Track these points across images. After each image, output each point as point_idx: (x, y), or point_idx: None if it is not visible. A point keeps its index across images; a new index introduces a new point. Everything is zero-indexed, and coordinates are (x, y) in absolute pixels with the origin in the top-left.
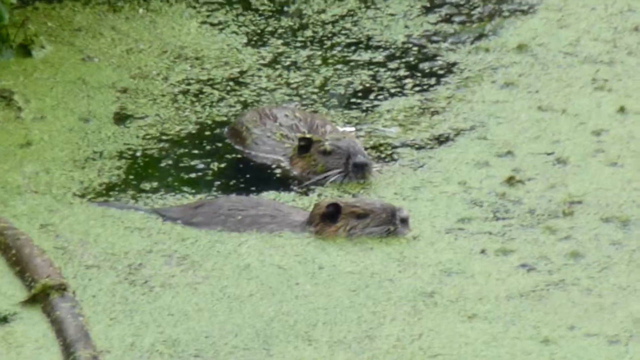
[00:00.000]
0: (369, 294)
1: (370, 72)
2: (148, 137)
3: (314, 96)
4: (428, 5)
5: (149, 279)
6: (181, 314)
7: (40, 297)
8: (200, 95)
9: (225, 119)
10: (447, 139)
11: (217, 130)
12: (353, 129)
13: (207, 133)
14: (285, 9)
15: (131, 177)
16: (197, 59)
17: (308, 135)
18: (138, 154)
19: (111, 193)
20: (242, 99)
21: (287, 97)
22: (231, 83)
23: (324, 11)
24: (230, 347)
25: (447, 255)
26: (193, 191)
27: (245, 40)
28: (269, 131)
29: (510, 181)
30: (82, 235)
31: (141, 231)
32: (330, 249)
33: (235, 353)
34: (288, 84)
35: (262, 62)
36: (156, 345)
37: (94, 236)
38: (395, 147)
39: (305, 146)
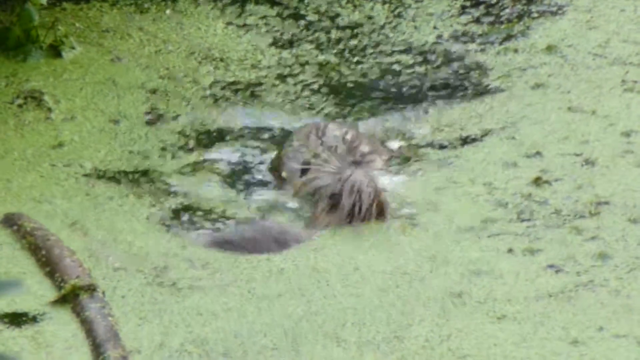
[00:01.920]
0: (399, 294)
1: (399, 73)
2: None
3: (339, 98)
4: (457, 5)
5: (176, 281)
6: (209, 313)
7: (70, 298)
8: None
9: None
10: (475, 140)
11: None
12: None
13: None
14: (313, 9)
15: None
16: (222, 60)
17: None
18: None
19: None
20: (266, 102)
21: (310, 102)
22: (256, 87)
23: (352, 12)
24: (259, 346)
25: (475, 255)
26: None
27: (271, 41)
28: (305, 146)
29: (537, 182)
30: (112, 236)
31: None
32: (363, 246)
33: (264, 353)
34: (311, 88)
35: (286, 64)
36: (185, 345)
37: (122, 238)
38: (423, 146)
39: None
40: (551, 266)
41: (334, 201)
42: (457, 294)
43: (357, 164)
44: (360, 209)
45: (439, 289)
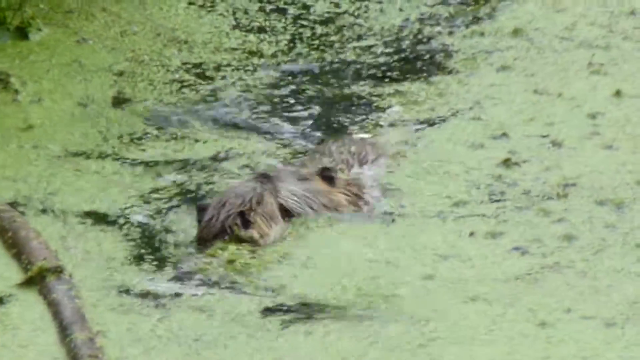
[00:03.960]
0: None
1: (365, 56)
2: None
3: (307, 80)
4: None
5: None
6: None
7: (37, 280)
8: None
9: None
10: (443, 121)
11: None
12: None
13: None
14: None
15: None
16: (186, 42)
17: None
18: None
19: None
20: (234, 82)
21: (276, 81)
22: (226, 68)
23: None
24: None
25: (439, 238)
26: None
27: (234, 23)
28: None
29: (507, 163)
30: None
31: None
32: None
33: None
34: (280, 70)
35: (251, 45)
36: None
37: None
38: (393, 125)
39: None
40: (516, 248)
41: (200, 216)
42: (427, 276)
43: (264, 177)
44: (217, 220)
45: (410, 272)
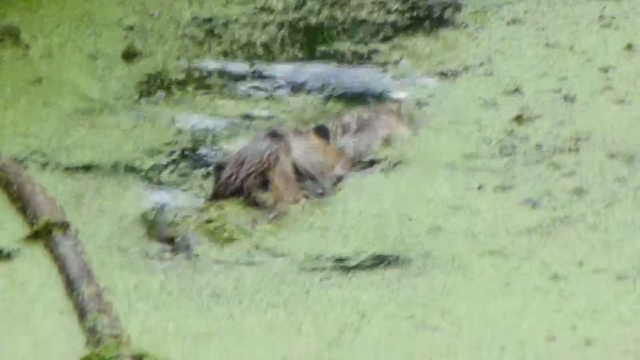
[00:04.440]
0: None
1: (376, 13)
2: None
3: (317, 36)
4: None
5: None
6: None
7: (43, 234)
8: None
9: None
10: (454, 77)
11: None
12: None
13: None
14: None
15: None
16: None
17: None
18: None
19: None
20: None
21: (288, 39)
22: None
23: None
24: None
25: (451, 191)
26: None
27: None
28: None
29: (519, 119)
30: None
31: None
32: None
33: None
34: (290, 26)
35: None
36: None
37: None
38: (403, 81)
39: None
40: (528, 201)
41: (219, 173)
42: (437, 228)
43: (275, 135)
44: (236, 179)
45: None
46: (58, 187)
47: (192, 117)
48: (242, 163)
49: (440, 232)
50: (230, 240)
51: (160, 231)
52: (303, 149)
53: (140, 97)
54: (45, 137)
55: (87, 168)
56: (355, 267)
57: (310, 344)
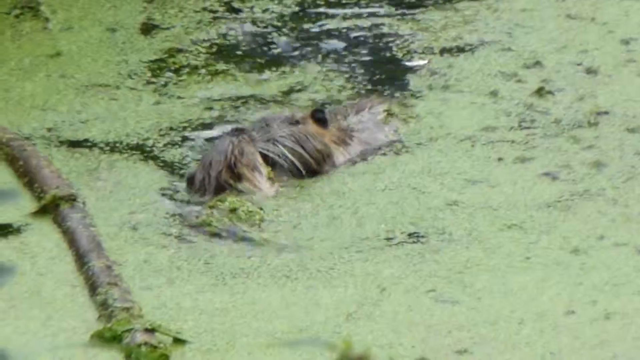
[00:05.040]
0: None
1: None
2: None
3: (333, 11)
4: None
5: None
6: None
7: (50, 208)
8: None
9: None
10: (474, 49)
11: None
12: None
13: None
14: None
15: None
16: None
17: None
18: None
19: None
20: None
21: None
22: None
23: None
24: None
25: (468, 164)
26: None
27: None
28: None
29: (540, 92)
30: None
31: None
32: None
33: None
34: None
35: None
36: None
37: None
38: (422, 56)
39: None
40: (547, 174)
41: (191, 181)
42: (453, 202)
43: (237, 130)
44: (210, 180)
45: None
46: (71, 162)
47: (212, 91)
48: (210, 164)
49: (458, 205)
50: (245, 219)
51: (184, 211)
52: (297, 135)
53: (159, 71)
54: (63, 110)
55: (104, 143)
56: (375, 244)
57: (328, 317)
